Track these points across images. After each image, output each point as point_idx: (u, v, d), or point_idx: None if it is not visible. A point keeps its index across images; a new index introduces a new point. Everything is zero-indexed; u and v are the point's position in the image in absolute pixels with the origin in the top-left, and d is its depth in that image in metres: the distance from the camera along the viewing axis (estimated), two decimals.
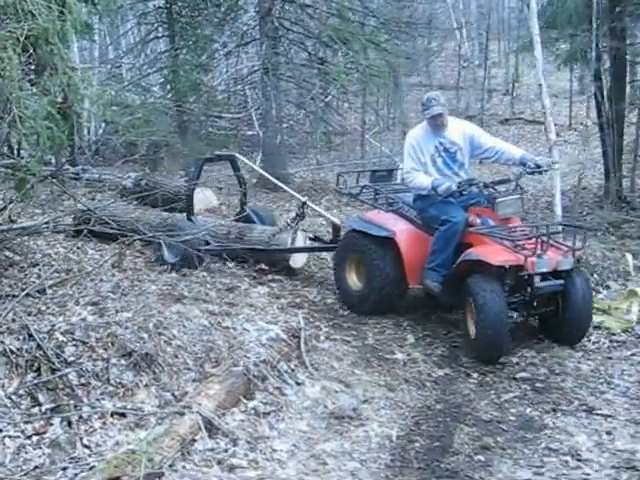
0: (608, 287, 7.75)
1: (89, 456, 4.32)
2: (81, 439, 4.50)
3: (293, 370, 5.60)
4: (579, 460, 4.45)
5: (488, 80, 25.25)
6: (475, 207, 6.63)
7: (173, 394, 5.06)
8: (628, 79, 13.90)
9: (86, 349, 5.26)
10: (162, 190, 10.47)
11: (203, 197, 10.77)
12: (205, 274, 7.63)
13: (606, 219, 10.48)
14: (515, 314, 6.50)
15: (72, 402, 4.84)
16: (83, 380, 5.02)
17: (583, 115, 15.82)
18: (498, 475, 4.34)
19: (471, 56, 29.02)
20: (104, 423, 4.68)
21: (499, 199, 6.45)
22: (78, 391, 4.91)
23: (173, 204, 9.46)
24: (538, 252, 6.03)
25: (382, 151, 17.11)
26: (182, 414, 4.64)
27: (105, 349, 5.27)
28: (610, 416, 4.99)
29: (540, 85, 8.41)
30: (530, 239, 6.17)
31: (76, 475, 4.06)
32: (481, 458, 4.57)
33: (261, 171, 10.47)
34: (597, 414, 5.07)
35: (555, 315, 6.44)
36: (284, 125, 15.54)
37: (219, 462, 4.38)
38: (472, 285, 6.08)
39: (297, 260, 8.58)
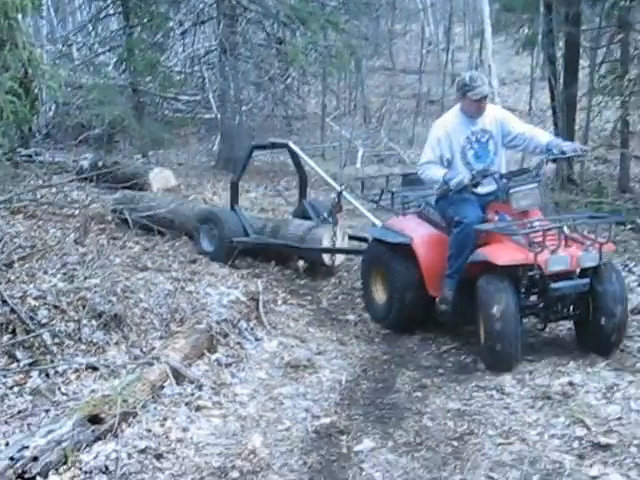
0: None
1: (68, 401, 5.17)
2: (59, 388, 5.35)
3: (252, 328, 6.50)
4: (502, 394, 5.37)
5: (452, 64, 26.24)
6: (494, 203, 6.28)
7: (141, 350, 5.93)
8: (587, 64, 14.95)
9: (58, 312, 6.09)
10: (120, 170, 11.33)
11: (162, 177, 11.62)
12: (168, 247, 8.49)
13: (554, 199, 11.40)
14: (535, 320, 6.27)
15: (48, 358, 5.69)
16: (57, 340, 5.86)
17: (544, 100, 16.78)
18: (432, 406, 5.28)
19: (435, 39, 29.90)
20: (79, 376, 5.53)
21: (512, 190, 6.03)
22: (53, 348, 5.75)
23: (128, 183, 10.34)
24: (551, 248, 5.70)
25: (342, 135, 17.97)
26: (151, 364, 5.52)
27: (76, 312, 6.11)
28: (534, 360, 5.92)
29: (489, 66, 9.31)
30: (546, 234, 5.75)
31: (57, 416, 4.87)
32: (419, 394, 5.52)
33: (310, 161, 9.65)
34: (524, 359, 5.97)
35: (585, 320, 6.03)
36: (243, 107, 16.26)
37: (186, 404, 5.25)
38: (480, 289, 5.80)
39: (329, 256, 8.45)
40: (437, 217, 6.73)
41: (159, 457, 4.55)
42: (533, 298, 5.95)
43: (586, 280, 5.86)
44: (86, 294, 6.28)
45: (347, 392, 5.62)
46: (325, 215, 8.38)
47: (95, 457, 4.45)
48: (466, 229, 6.14)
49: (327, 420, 5.12)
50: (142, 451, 4.58)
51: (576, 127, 13.64)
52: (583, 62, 14.36)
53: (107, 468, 4.37)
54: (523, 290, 5.83)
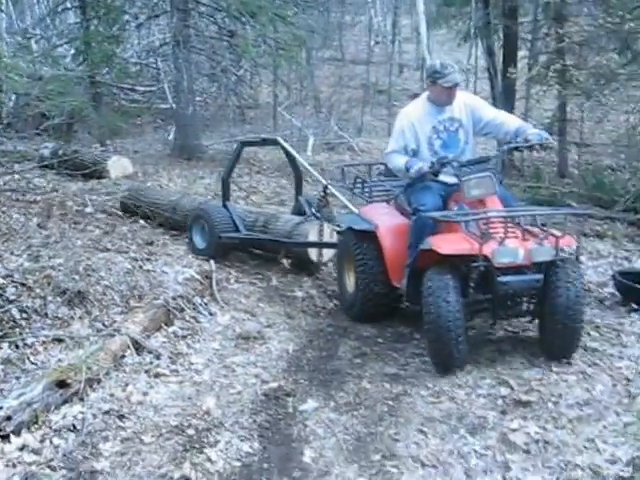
0: None
1: (37, 370, 5.49)
2: (28, 358, 5.67)
3: (206, 304, 6.86)
4: None
5: (400, 55, 26.70)
6: (456, 193, 5.95)
7: (103, 324, 6.25)
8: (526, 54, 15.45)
9: (25, 289, 6.39)
10: (79, 158, 11.60)
11: (120, 165, 11.88)
12: (126, 230, 8.79)
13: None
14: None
15: (17, 331, 6.01)
16: (25, 315, 6.15)
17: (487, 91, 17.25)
18: (371, 371, 5.72)
19: (383, 31, 30.29)
20: (46, 347, 5.84)
21: (464, 179, 5.71)
22: (22, 322, 6.05)
23: (88, 170, 10.60)
24: (499, 239, 5.36)
25: (294, 124, 18.30)
26: (113, 335, 5.87)
27: (42, 289, 6.42)
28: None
29: (423, 59, 9.72)
30: (492, 223, 5.52)
31: (28, 382, 5.19)
32: (359, 361, 5.95)
33: (297, 155, 9.18)
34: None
35: (539, 319, 5.78)
36: (197, 98, 16.52)
37: (146, 371, 5.61)
38: (425, 279, 5.47)
39: (317, 253, 8.19)
40: (406, 205, 6.43)
41: (121, 417, 4.92)
42: (482, 293, 5.54)
43: (539, 276, 5.46)
44: (51, 272, 6.60)
45: (294, 360, 6.02)
46: (313, 210, 8.14)
47: (63, 417, 4.80)
48: (423, 217, 5.86)
49: (275, 384, 5.53)
50: (106, 412, 4.94)
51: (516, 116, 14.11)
52: (522, 53, 14.89)
53: (75, 426, 4.73)
54: (472, 284, 5.47)
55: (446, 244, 5.47)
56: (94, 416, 4.88)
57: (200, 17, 15.84)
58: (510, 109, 13.82)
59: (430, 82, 6.14)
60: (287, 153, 8.98)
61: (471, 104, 6.27)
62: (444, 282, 5.33)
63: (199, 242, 8.43)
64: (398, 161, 6.14)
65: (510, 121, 6.23)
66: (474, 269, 5.37)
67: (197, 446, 4.63)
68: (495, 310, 5.63)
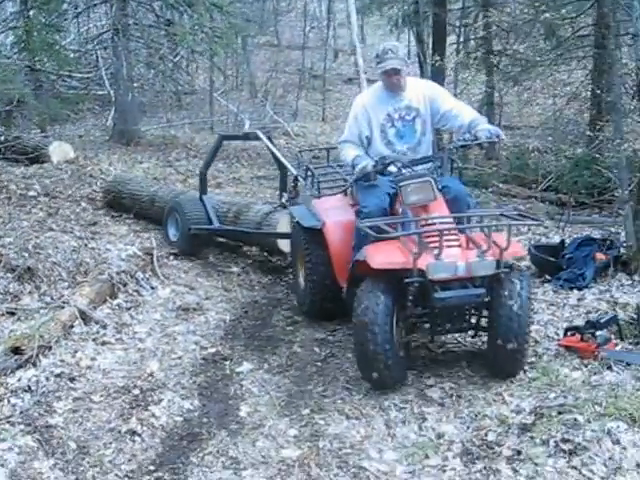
0: None
1: None
2: None
3: (148, 279, 7.22)
4: None
5: (335, 40, 27.08)
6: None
7: (52, 297, 6.60)
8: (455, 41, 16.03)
9: None
10: (21, 144, 11.82)
11: (61, 150, 12.07)
12: (69, 213, 9.10)
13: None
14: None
15: None
16: None
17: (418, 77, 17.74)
18: (301, 337, 6.19)
19: (319, 16, 30.57)
20: None
21: (401, 184, 5.18)
22: None
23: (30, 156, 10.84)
24: (435, 251, 4.80)
25: (230, 109, 18.59)
26: (62, 307, 6.21)
27: None
28: None
29: (355, 47, 10.16)
30: (426, 234, 4.96)
31: None
32: (291, 328, 6.43)
33: (272, 147, 8.59)
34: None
35: (481, 335, 5.38)
36: (135, 84, 16.69)
37: (93, 340, 5.98)
38: (357, 292, 5.04)
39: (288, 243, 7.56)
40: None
41: (72, 380, 5.30)
42: (420, 308, 5.06)
43: (480, 291, 4.93)
44: (1, 250, 6.93)
45: (230, 328, 6.45)
46: (283, 200, 7.83)
47: (19, 380, 5.16)
48: (365, 220, 5.30)
49: (213, 350, 5.96)
50: (58, 375, 5.32)
51: None
52: (451, 39, 15.39)
53: (29, 388, 5.09)
54: (410, 297, 4.89)
55: (379, 256, 4.94)
56: (47, 379, 5.25)
57: (138, 6, 16.02)
58: None
59: (375, 67, 5.81)
60: (270, 148, 8.56)
61: (431, 94, 5.79)
62: (375, 299, 4.85)
63: (172, 234, 8.40)
64: (347, 154, 5.76)
65: (465, 114, 5.70)
66: (410, 283, 4.84)
67: (142, 404, 5.04)
68: (433, 326, 5.18)
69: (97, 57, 18.33)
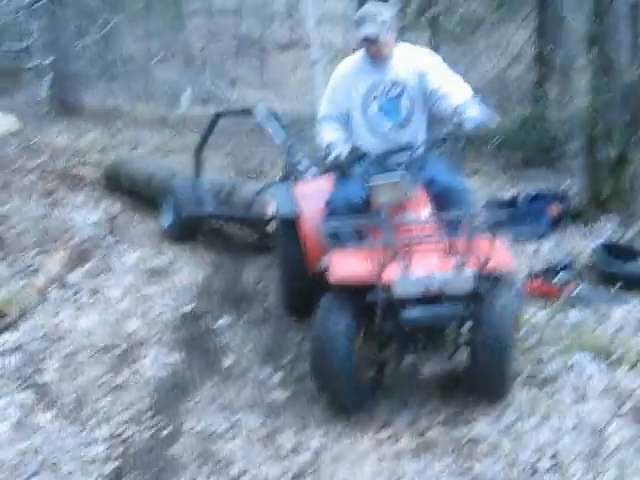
0: None
1: None
2: None
3: (115, 243, 7.50)
4: None
5: (272, 4, 27.10)
6: None
7: (24, 265, 6.83)
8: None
9: None
10: None
11: (6, 121, 12.14)
12: (25, 183, 9.28)
13: None
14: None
15: None
16: None
17: None
18: (273, 293, 6.49)
19: None
20: None
21: (371, 183, 4.60)
22: None
23: None
24: (403, 265, 4.13)
25: (166, 78, 18.64)
26: (36, 273, 6.47)
27: None
28: None
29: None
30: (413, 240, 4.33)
31: None
32: (262, 285, 6.75)
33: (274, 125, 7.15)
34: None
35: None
36: (71, 53, 16.66)
37: (72, 303, 6.27)
38: (318, 305, 4.38)
39: None
40: None
41: (57, 340, 5.59)
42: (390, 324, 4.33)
43: (455, 308, 4.23)
44: None
45: (204, 287, 6.74)
46: (276, 179, 7.28)
47: (4, 343, 5.45)
48: (331, 216, 4.77)
49: (189, 307, 6.28)
50: (42, 337, 5.62)
51: None
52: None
53: (17, 348, 5.38)
54: (378, 314, 4.23)
55: (341, 266, 4.30)
56: (33, 340, 5.54)
57: None
58: None
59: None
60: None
61: (421, 67, 4.95)
62: (334, 317, 4.24)
63: (165, 220, 8.05)
64: (324, 136, 5.01)
65: (454, 95, 4.76)
66: (370, 300, 4.22)
67: (129, 360, 5.36)
68: (401, 345, 4.47)
69: (32, 27, 18.19)
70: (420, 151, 4.81)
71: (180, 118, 15.24)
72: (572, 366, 4.84)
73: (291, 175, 6.41)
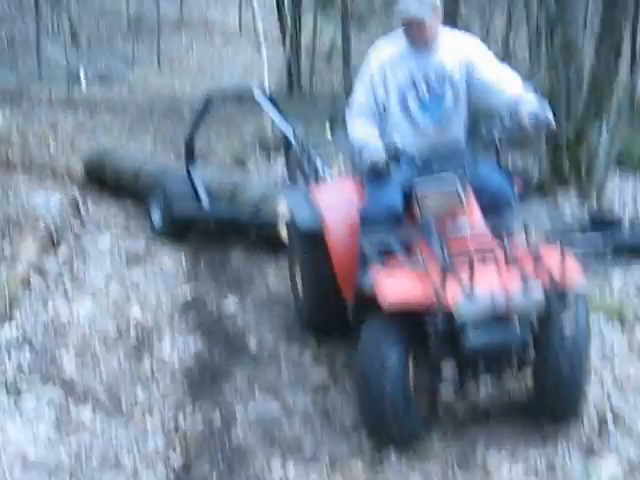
0: None
1: None
2: None
3: (83, 226, 7.15)
4: None
5: None
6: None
7: None
8: None
9: None
10: None
11: None
12: None
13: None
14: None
15: None
16: None
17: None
18: (271, 272, 6.38)
19: None
20: None
21: (418, 192, 4.02)
22: None
23: None
24: (465, 284, 3.63)
25: (60, 58, 17.99)
26: (12, 260, 6.07)
27: None
28: None
29: None
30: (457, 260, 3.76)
31: None
32: (247, 266, 6.60)
33: (273, 114, 6.75)
34: None
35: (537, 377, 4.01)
36: None
37: (59, 291, 5.92)
38: (362, 328, 3.93)
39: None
40: None
41: (61, 332, 5.25)
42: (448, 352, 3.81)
43: (524, 332, 3.75)
44: None
45: (191, 270, 6.54)
46: (286, 177, 6.59)
47: (7, 337, 5.07)
48: (369, 228, 4.13)
49: (187, 289, 6.04)
50: (45, 328, 5.25)
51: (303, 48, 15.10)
52: None
53: (25, 341, 5.01)
54: (433, 341, 3.74)
55: (391, 290, 3.72)
56: (36, 332, 5.17)
57: None
58: (297, 42, 14.93)
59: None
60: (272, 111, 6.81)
61: (469, 56, 4.37)
62: (386, 346, 3.76)
63: (157, 220, 7.31)
64: (356, 134, 4.37)
65: (509, 89, 4.26)
66: (431, 323, 3.71)
67: (145, 348, 5.09)
68: (462, 373, 3.90)
69: None
70: (470, 151, 4.29)
71: (85, 98, 14.74)
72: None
73: (295, 170, 6.02)
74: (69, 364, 4.82)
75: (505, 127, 4.12)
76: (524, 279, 3.67)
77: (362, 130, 4.33)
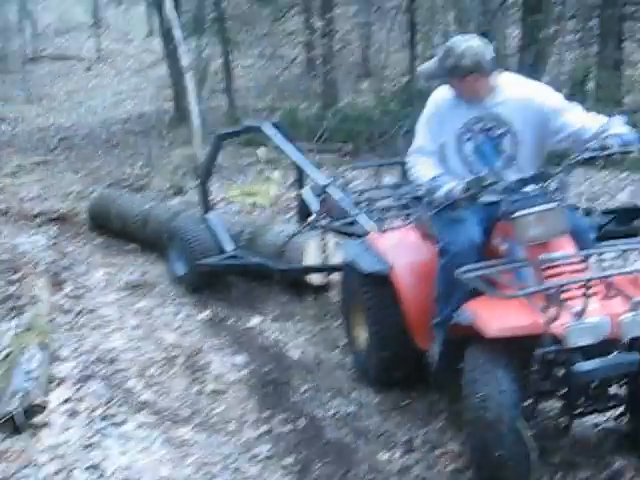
0: None
1: None
2: None
3: (73, 265, 7.35)
4: None
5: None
6: (504, 222, 4.06)
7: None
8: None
9: None
10: None
11: None
12: None
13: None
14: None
15: None
16: None
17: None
18: (281, 286, 6.74)
19: None
20: None
21: (517, 214, 3.87)
22: None
23: None
24: (575, 309, 3.56)
25: None
26: (35, 303, 6.22)
27: None
28: None
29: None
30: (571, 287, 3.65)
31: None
32: (257, 287, 6.96)
33: (289, 149, 6.64)
34: None
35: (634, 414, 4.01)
36: None
37: (88, 326, 6.13)
38: (464, 363, 3.86)
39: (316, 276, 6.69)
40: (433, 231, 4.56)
41: (114, 362, 5.47)
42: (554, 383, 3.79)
43: (633, 355, 3.64)
44: None
45: (198, 294, 6.85)
46: (312, 218, 6.11)
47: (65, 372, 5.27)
48: (452, 262, 4.08)
49: (207, 313, 6.42)
50: (96, 361, 5.47)
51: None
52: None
53: (90, 376, 5.22)
54: (535, 369, 3.64)
55: (496, 319, 3.67)
56: (89, 365, 5.38)
57: None
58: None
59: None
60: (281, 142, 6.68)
61: (528, 99, 4.22)
62: (496, 383, 3.64)
63: (179, 268, 7.11)
64: (422, 172, 4.36)
65: (589, 120, 4.12)
66: (537, 353, 3.60)
67: (198, 367, 5.42)
68: (571, 406, 3.85)
69: None
70: (558, 178, 3.97)
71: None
72: None
73: (307, 208, 6.05)
74: (143, 391, 5.10)
75: (593, 152, 3.91)
76: (632, 304, 3.59)
77: (428, 169, 4.32)
